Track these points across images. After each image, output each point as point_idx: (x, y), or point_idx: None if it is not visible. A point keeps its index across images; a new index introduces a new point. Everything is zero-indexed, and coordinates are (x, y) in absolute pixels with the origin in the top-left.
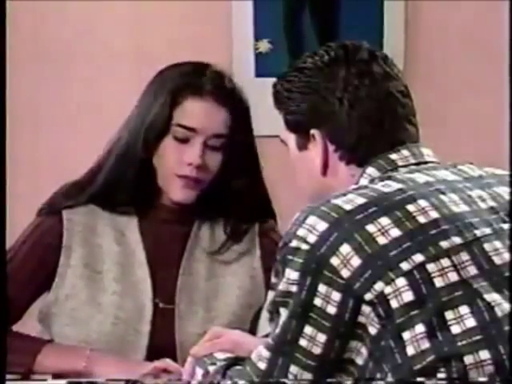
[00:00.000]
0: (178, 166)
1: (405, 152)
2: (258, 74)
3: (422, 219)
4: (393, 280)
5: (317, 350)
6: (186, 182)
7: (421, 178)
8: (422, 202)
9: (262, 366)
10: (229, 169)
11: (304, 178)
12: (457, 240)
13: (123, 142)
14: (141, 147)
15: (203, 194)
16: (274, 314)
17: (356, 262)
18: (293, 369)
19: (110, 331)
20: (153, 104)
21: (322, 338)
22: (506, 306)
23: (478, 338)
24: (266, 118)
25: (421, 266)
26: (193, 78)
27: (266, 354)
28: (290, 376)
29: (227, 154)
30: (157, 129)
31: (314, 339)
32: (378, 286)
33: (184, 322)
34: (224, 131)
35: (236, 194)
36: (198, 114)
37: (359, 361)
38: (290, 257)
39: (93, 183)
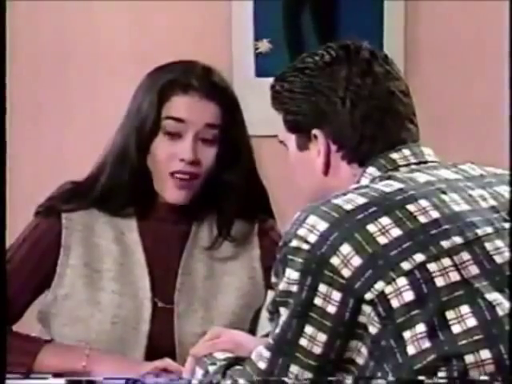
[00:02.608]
0: (170, 163)
1: (406, 151)
2: (258, 74)
3: (422, 219)
4: (393, 279)
5: (317, 350)
6: (179, 182)
7: (421, 177)
8: (423, 202)
9: (263, 365)
10: (222, 163)
11: (304, 179)
12: (458, 239)
13: (117, 146)
14: (133, 149)
15: (200, 193)
16: (274, 314)
17: (356, 261)
18: (293, 368)
19: (109, 330)
20: (142, 105)
21: (322, 337)
22: (508, 305)
23: (479, 337)
24: (266, 118)
25: (421, 266)
26: (179, 76)
27: (266, 353)
28: (291, 376)
29: (220, 148)
30: (147, 128)
31: (314, 339)
32: (379, 285)
33: (183, 321)
34: (215, 122)
35: (231, 189)
36: (186, 107)
37: (360, 360)
38: (290, 256)
39: (92, 189)
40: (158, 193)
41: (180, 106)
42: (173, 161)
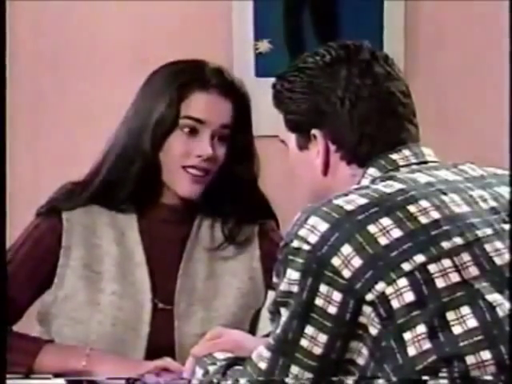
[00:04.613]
0: (185, 158)
1: (406, 152)
2: (258, 74)
3: (423, 220)
4: (394, 280)
5: (318, 351)
6: (193, 176)
7: (422, 178)
8: (424, 203)
9: (263, 365)
10: (231, 160)
11: (304, 178)
12: (458, 240)
13: (122, 142)
14: (148, 145)
15: (205, 189)
16: (275, 314)
17: (357, 262)
18: (293, 369)
19: (109, 331)
20: (157, 102)
21: (322, 338)
22: (508, 306)
23: (480, 338)
24: (266, 118)
25: (422, 267)
26: (197, 73)
27: (266, 354)
28: (291, 376)
29: (230, 145)
30: (166, 125)
31: (314, 339)
32: (379, 286)
33: (183, 322)
34: (229, 122)
35: (236, 188)
36: (205, 106)
37: (360, 361)
38: (291, 257)
39: (92, 185)
40: (168, 187)
41: (199, 104)
42: (188, 156)
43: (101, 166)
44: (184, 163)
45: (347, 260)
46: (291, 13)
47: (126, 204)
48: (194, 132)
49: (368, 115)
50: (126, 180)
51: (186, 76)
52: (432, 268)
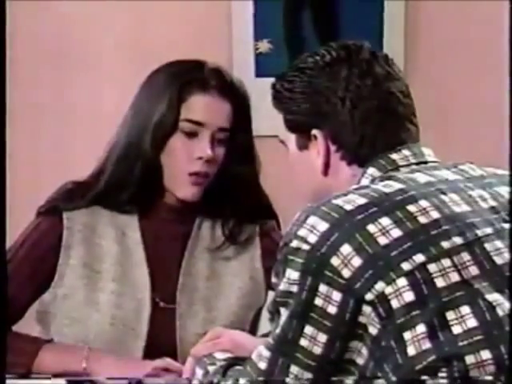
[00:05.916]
0: (188, 164)
1: (406, 152)
2: (258, 74)
3: (422, 219)
4: (394, 280)
5: (317, 350)
6: (195, 179)
7: (422, 177)
8: (423, 203)
9: (263, 365)
10: (230, 162)
11: (304, 179)
12: (458, 240)
13: (123, 143)
14: (149, 146)
15: (205, 191)
16: (274, 314)
17: (357, 262)
18: (293, 369)
19: (108, 331)
20: (157, 103)
21: (322, 338)
22: (508, 305)
23: (480, 338)
24: (266, 118)
25: (422, 266)
26: (196, 74)
27: (266, 353)
28: (291, 376)
29: (229, 147)
30: (166, 127)
31: (314, 339)
32: (379, 286)
33: (185, 321)
34: (228, 124)
35: (237, 188)
36: (205, 108)
37: (360, 361)
38: (290, 257)
39: (94, 187)
40: (168, 189)
41: (198, 107)
42: (190, 160)
43: (103, 167)
44: (189, 170)
45: (347, 260)
46: (291, 13)
47: (128, 204)
48: (193, 134)
49: (368, 115)
50: (128, 182)
51: (186, 77)
52: (432, 268)
